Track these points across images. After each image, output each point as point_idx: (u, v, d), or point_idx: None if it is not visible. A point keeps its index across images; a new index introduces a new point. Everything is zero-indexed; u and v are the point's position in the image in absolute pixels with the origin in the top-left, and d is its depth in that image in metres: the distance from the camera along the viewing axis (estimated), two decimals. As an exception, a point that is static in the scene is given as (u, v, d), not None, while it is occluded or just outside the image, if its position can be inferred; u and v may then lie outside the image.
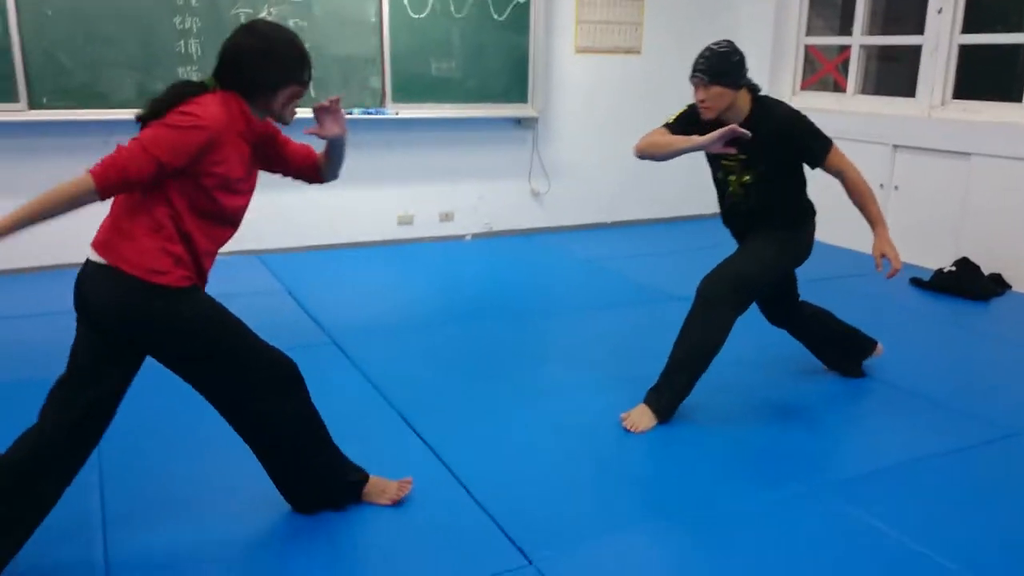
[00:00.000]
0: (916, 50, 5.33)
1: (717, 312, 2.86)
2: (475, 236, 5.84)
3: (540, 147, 5.88)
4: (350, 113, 5.11)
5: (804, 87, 6.25)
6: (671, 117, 2.96)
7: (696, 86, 2.77)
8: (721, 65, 2.72)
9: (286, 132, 2.23)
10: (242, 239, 5.35)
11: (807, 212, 3.06)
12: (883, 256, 2.92)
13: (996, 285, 4.64)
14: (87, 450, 2.04)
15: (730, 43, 2.79)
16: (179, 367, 2.06)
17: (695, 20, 6.29)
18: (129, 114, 4.53)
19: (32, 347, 3.55)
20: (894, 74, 5.97)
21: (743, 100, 2.79)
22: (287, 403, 2.16)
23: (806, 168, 2.97)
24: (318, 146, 2.28)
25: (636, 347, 3.68)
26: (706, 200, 6.71)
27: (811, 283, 4.77)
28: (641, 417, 2.88)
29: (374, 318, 4.03)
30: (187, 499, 2.38)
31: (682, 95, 6.88)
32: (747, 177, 2.92)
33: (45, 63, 4.43)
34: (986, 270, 4.72)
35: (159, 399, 2.71)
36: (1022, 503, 2.45)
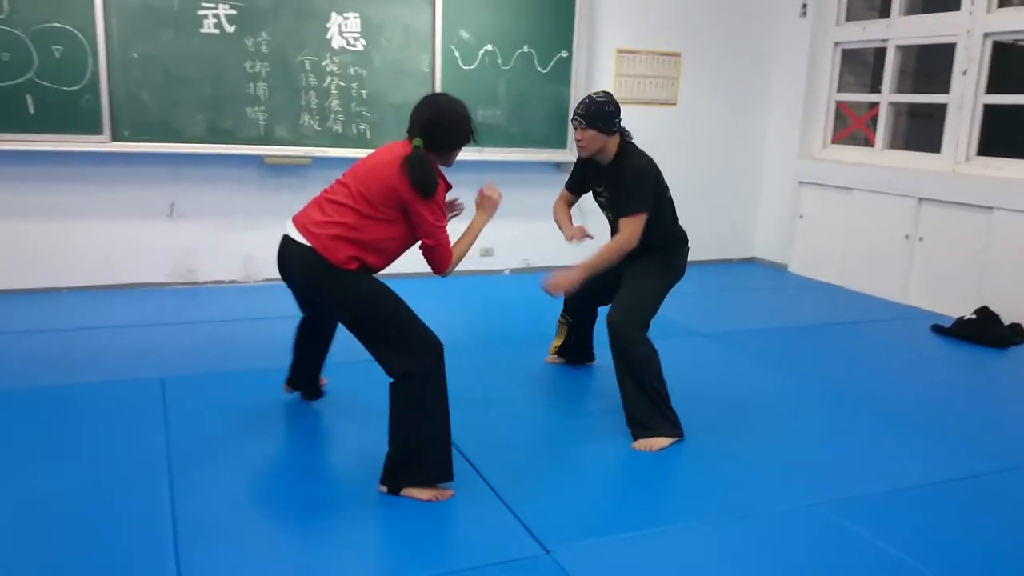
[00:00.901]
0: (943, 108, 5.55)
1: (635, 341, 3.17)
2: (513, 271, 6.16)
3: (577, 190, 6.19)
4: (400, 153, 5.48)
5: (834, 141, 6.50)
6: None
7: (575, 128, 3.22)
8: (597, 112, 3.16)
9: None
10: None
11: (677, 240, 3.45)
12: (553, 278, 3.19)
13: (1015, 334, 4.78)
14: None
15: (608, 95, 3.22)
16: (351, 325, 2.64)
17: (730, 75, 6.60)
18: (199, 148, 5.03)
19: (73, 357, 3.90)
20: (922, 130, 6.19)
21: (613, 145, 3.25)
22: (431, 373, 2.60)
23: (676, 202, 3.44)
24: None
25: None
26: (732, 245, 6.95)
27: (835, 327, 4.99)
28: (652, 442, 3.12)
29: (415, 342, 4.32)
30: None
31: (715, 144, 7.15)
32: (610, 213, 3.40)
33: (128, 100, 4.89)
34: (1006, 319, 4.87)
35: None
36: (1012, 530, 2.62)
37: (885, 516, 2.66)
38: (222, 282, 5.44)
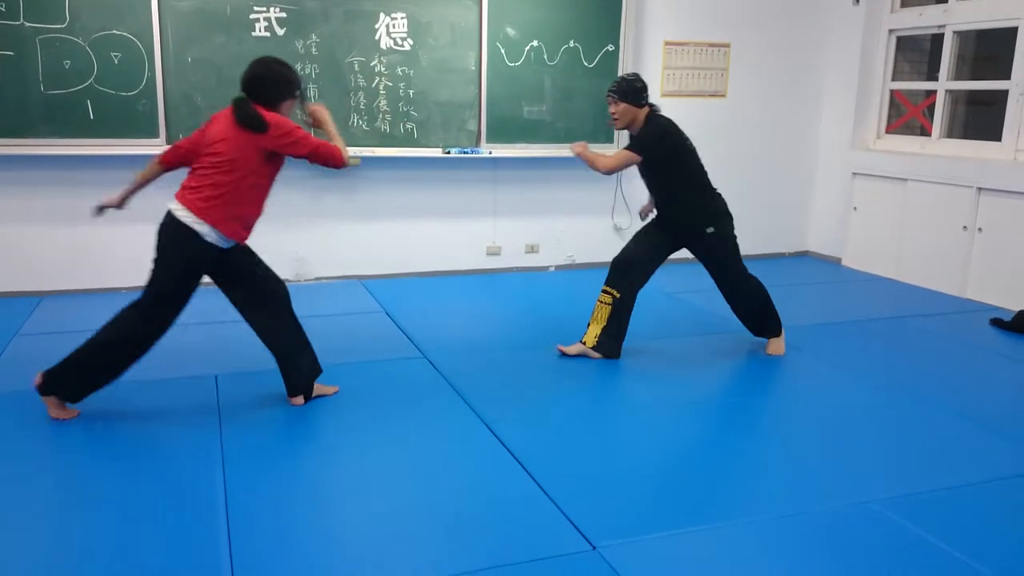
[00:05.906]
0: (1004, 95, 5.38)
1: (749, 283, 4.05)
2: (558, 268, 6.15)
3: (624, 185, 6.16)
4: (448, 152, 5.52)
5: (889, 130, 6.34)
6: None
7: (609, 103, 3.73)
8: (628, 88, 3.70)
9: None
10: (346, 265, 5.80)
11: (713, 209, 3.92)
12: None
13: (1081, 328, 4.61)
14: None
15: (636, 75, 3.78)
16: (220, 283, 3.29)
17: (781, 65, 6.49)
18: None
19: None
20: (982, 118, 5.99)
21: (642, 116, 3.75)
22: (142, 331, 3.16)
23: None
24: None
25: (704, 372, 3.88)
26: (785, 239, 6.84)
27: (890, 321, 4.87)
28: (778, 345, 4.09)
29: (461, 337, 4.35)
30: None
31: (763, 134, 7.04)
32: (647, 176, 3.92)
33: (182, 103, 5.01)
34: (1072, 313, 4.70)
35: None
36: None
37: (943, 514, 2.59)
38: (274, 280, 5.53)
